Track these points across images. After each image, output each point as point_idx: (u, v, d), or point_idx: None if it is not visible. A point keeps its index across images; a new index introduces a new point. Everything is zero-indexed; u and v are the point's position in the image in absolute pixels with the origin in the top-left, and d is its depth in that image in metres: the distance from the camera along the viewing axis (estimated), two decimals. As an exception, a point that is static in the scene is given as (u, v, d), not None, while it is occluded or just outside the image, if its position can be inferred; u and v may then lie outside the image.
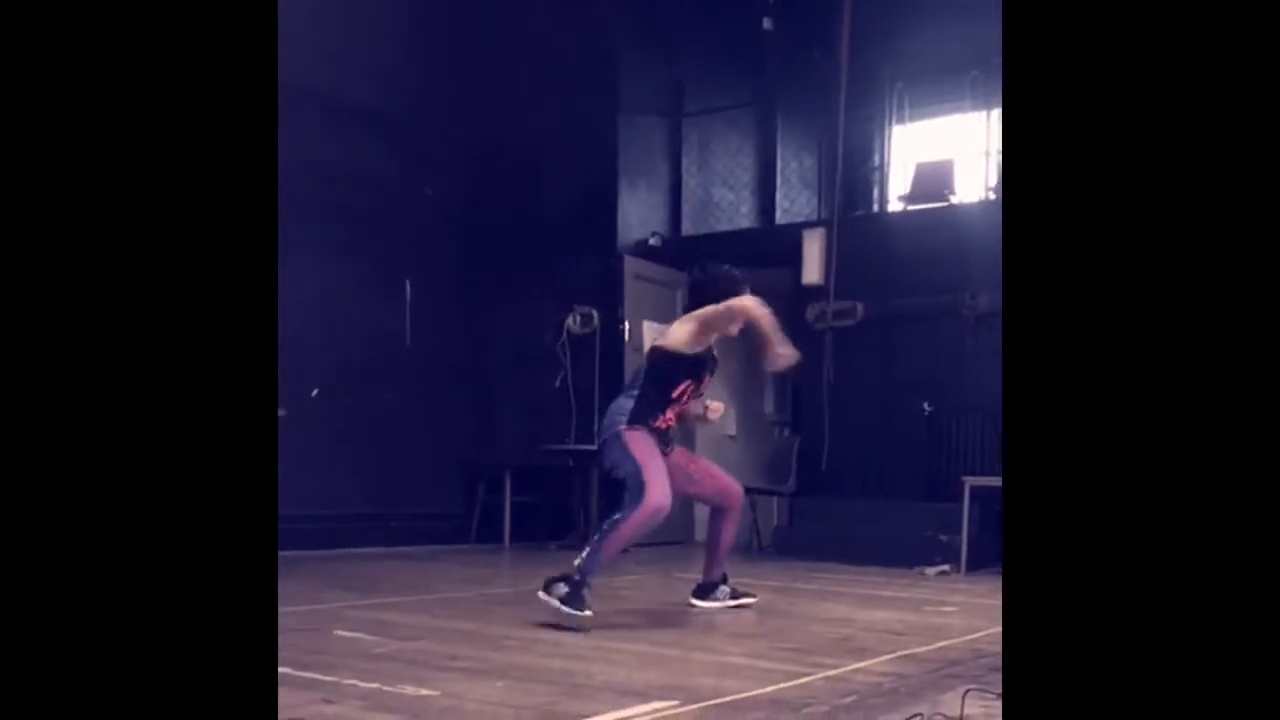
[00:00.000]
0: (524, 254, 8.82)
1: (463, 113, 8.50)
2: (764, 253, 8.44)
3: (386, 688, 2.82)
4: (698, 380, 4.37)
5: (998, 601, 5.05)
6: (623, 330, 8.53)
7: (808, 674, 3.14)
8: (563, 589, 3.97)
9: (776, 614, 4.59)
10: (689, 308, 4.45)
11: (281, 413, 6.97)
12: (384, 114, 8.02)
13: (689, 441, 7.05)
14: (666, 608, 4.76)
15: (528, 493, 8.40)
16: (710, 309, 4.26)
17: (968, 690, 2.65)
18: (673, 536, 8.56)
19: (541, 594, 4.01)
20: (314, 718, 2.48)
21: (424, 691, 2.79)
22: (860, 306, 8.04)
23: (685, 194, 9.44)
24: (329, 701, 2.65)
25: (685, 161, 9.46)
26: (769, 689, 2.90)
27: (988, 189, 8.44)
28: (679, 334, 4.28)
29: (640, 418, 4.21)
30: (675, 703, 2.68)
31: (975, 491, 6.79)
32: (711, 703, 2.71)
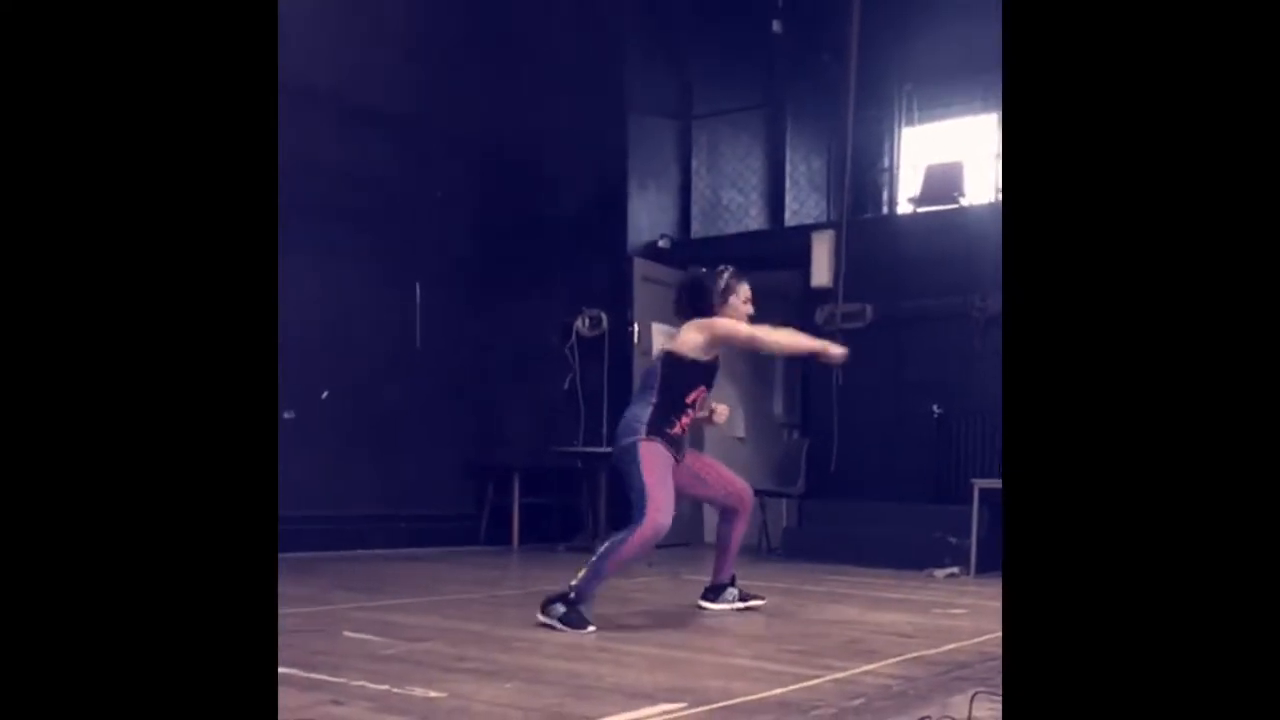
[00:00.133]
0: (533, 256, 8.83)
1: (473, 115, 8.52)
2: (773, 255, 8.44)
3: (395, 689, 2.83)
4: (710, 385, 4.39)
5: (1007, 604, 5.04)
6: (631, 333, 8.54)
7: (816, 676, 3.13)
8: (560, 609, 3.97)
9: (785, 616, 4.59)
10: (680, 310, 4.44)
11: (292, 415, 7.01)
12: (394, 117, 8.04)
13: (697, 443, 7.05)
14: (675, 610, 4.76)
15: (536, 494, 8.41)
16: (727, 327, 4.29)
17: (976, 693, 2.65)
18: (681, 538, 8.56)
19: (540, 616, 4.00)
20: (322, 719, 2.49)
21: (432, 693, 2.79)
22: (869, 309, 8.03)
23: (694, 196, 9.45)
24: (337, 703, 2.66)
25: (694, 164, 9.47)
26: (777, 691, 2.90)
27: (997, 191, 8.44)
28: (693, 340, 4.27)
29: (657, 427, 4.19)
30: (683, 705, 2.68)
31: (984, 494, 6.77)
32: (719, 705, 2.71)
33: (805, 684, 3.02)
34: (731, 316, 4.36)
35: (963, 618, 4.65)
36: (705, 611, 4.63)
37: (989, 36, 7.68)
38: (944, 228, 7.90)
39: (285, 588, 4.38)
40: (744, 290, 4.44)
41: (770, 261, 8.16)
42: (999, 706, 2.60)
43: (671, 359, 4.29)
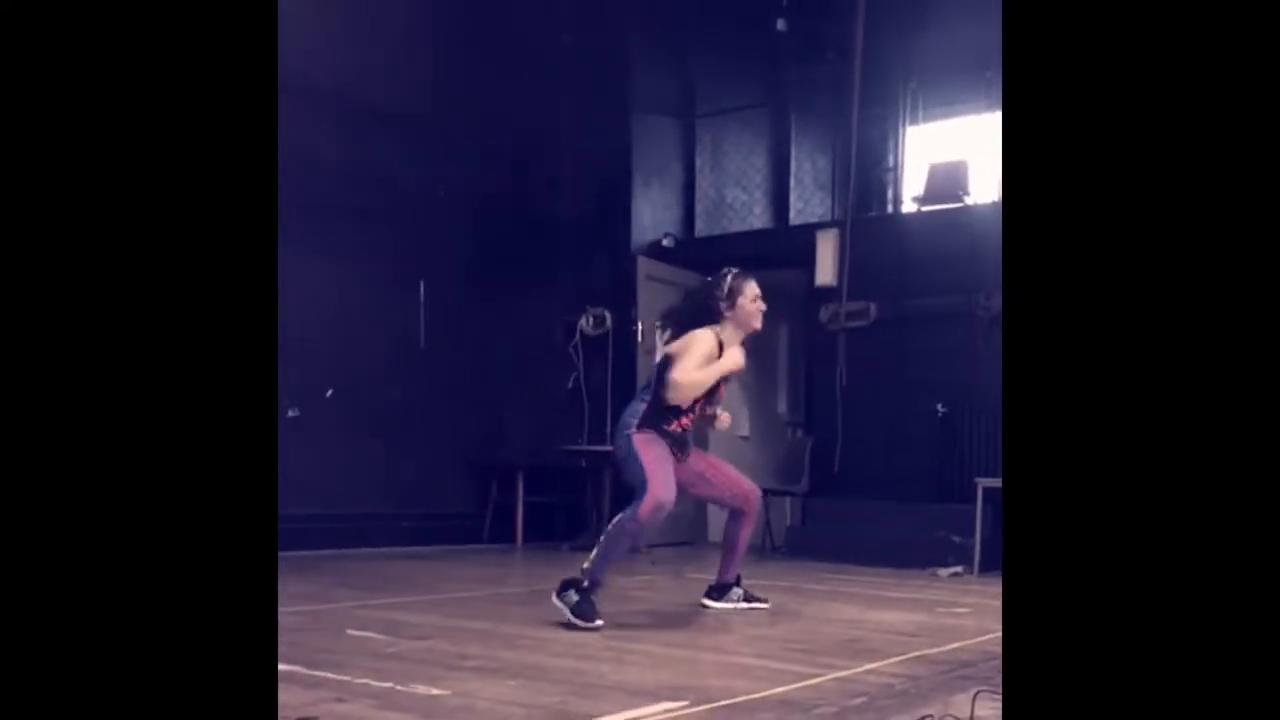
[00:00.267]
0: (537, 254, 8.83)
1: (476, 114, 8.52)
2: (777, 254, 8.44)
3: (398, 687, 2.83)
4: (709, 397, 4.36)
5: (1010, 603, 5.04)
6: (635, 331, 8.54)
7: (818, 675, 3.13)
8: (573, 597, 4.00)
9: (788, 615, 4.59)
10: (682, 320, 4.41)
11: (296, 412, 7.02)
12: (398, 115, 8.04)
13: (701, 442, 7.05)
14: (678, 608, 4.77)
15: (540, 493, 8.42)
16: (685, 356, 4.22)
17: (978, 692, 2.64)
18: (685, 537, 8.57)
19: (555, 598, 4.02)
20: (325, 716, 2.49)
21: (435, 691, 2.80)
22: (873, 307, 8.03)
23: (698, 195, 9.45)
24: (341, 700, 2.67)
25: (698, 162, 9.47)
26: (779, 690, 2.90)
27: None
28: (682, 374, 4.19)
29: (651, 422, 4.22)
30: (685, 703, 2.68)
31: (988, 493, 6.77)
32: (722, 703, 2.71)
33: (807, 682, 3.02)
34: (743, 318, 4.35)
35: (966, 617, 4.65)
36: (708, 610, 4.63)
37: (993, 35, 7.66)
38: (948, 226, 7.89)
39: (289, 586, 4.39)
40: (750, 289, 4.41)
41: (774, 260, 8.15)
42: (1001, 705, 2.61)
43: (668, 362, 4.30)
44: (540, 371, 8.82)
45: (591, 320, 8.71)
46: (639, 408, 4.28)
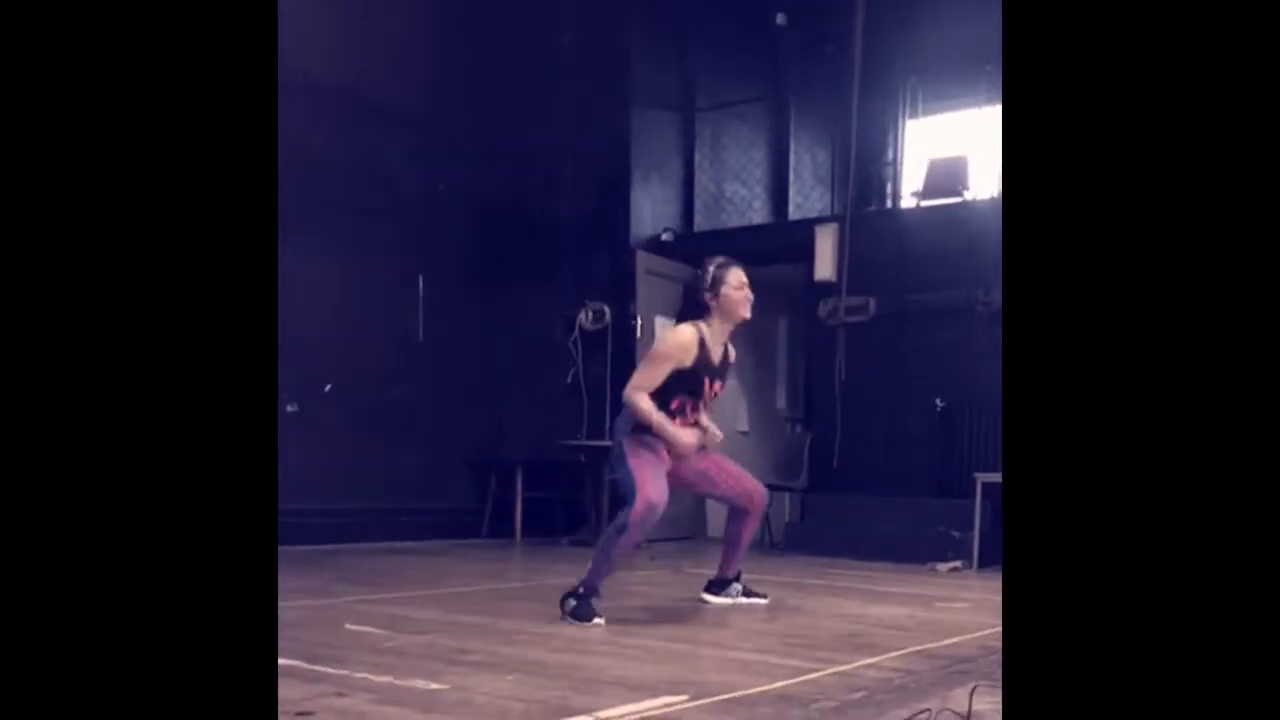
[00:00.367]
0: (536, 249, 8.83)
1: (475, 110, 8.51)
2: (776, 248, 8.44)
3: (397, 681, 2.84)
4: (693, 395, 4.28)
5: (1009, 598, 5.04)
6: (634, 326, 8.54)
7: (817, 669, 3.14)
8: (571, 603, 4.02)
9: (787, 610, 4.60)
10: (680, 314, 4.40)
11: (295, 408, 7.02)
12: (397, 110, 8.04)
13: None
14: (678, 603, 4.77)
15: (540, 488, 8.42)
16: (649, 358, 4.23)
17: (976, 686, 2.65)
18: (684, 532, 8.58)
19: (560, 615, 4.03)
20: (325, 711, 2.49)
21: (434, 685, 2.80)
22: (873, 302, 8.03)
23: (698, 189, 9.44)
24: (340, 695, 2.67)
25: (698, 157, 9.46)
26: (778, 684, 2.90)
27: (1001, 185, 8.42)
28: (631, 392, 4.18)
29: (643, 428, 4.20)
30: (685, 697, 2.69)
31: (987, 488, 6.77)
32: (721, 698, 2.71)
33: (806, 677, 3.02)
34: (728, 307, 4.27)
35: (964, 612, 4.66)
36: (707, 604, 4.63)
37: (993, 29, 7.65)
38: (948, 221, 7.89)
39: (288, 580, 4.39)
40: (733, 276, 4.29)
41: (774, 255, 8.14)
42: (999, 700, 2.61)
43: None
44: (539, 366, 8.82)
45: (591, 315, 8.71)
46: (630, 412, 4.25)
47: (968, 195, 8.09)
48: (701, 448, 4.40)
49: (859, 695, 2.80)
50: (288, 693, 2.51)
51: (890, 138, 9.57)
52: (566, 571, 4.86)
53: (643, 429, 4.20)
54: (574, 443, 8.35)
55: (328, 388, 7.39)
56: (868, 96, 8.64)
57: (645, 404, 4.16)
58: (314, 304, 6.96)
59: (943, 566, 6.65)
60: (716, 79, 9.50)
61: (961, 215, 7.87)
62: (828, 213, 9.45)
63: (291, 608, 4.02)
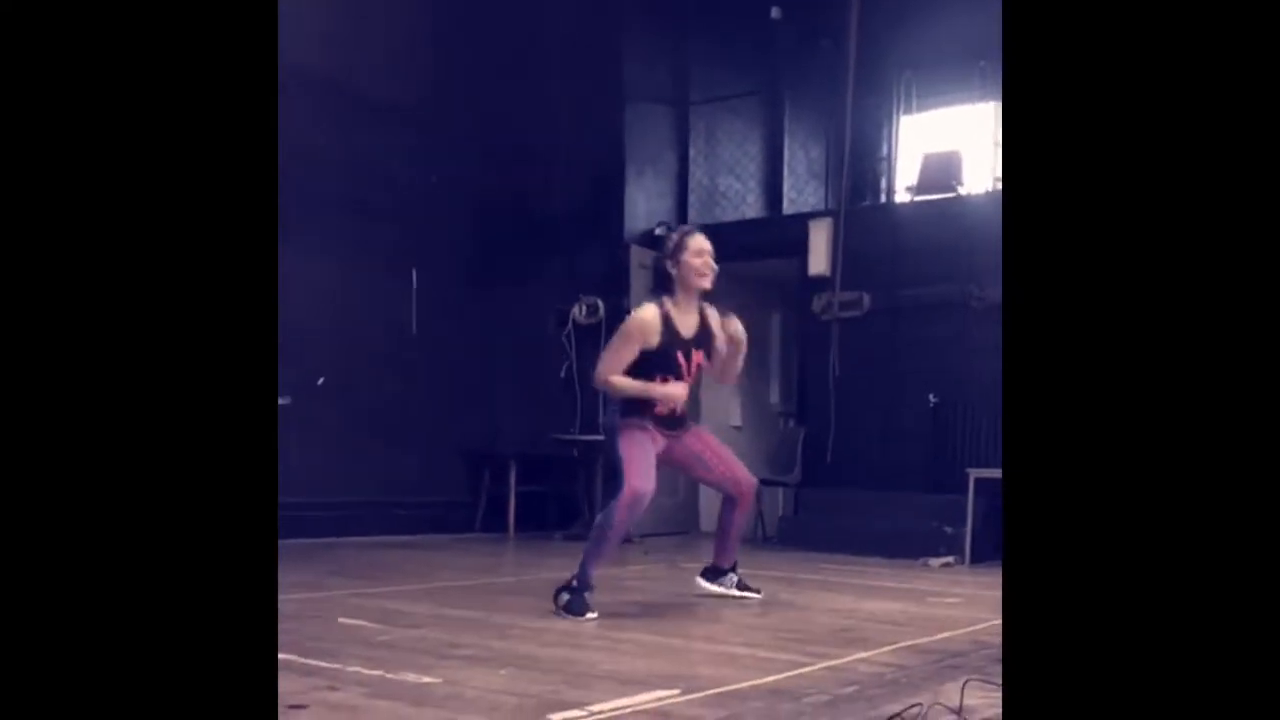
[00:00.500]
0: (530, 243, 8.82)
1: (469, 101, 8.50)
2: (770, 243, 8.44)
3: (389, 675, 2.84)
4: (672, 373, 4.23)
5: (1000, 593, 5.05)
6: (628, 320, 8.52)
7: (809, 664, 3.14)
8: (564, 597, 4.03)
9: (780, 604, 4.60)
10: (652, 289, 4.42)
11: (287, 401, 7.00)
12: (390, 103, 8.02)
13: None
14: (670, 598, 4.77)
15: (533, 482, 8.42)
16: (626, 334, 4.21)
17: (967, 680, 2.66)
18: (678, 527, 8.58)
19: (553, 609, 4.03)
20: (317, 704, 2.49)
21: (426, 679, 2.80)
22: (867, 297, 8.03)
23: (692, 183, 9.43)
24: (333, 688, 2.67)
25: (692, 151, 9.45)
26: (770, 678, 2.91)
27: (995, 180, 8.42)
28: (602, 371, 4.21)
29: (631, 410, 4.22)
30: (677, 691, 2.69)
31: (980, 484, 6.78)
32: (713, 692, 2.72)
33: (799, 671, 3.03)
34: (687, 275, 4.22)
35: (957, 607, 4.67)
36: (700, 590, 4.62)
37: (987, 25, 7.65)
38: (942, 217, 7.89)
39: (282, 574, 4.37)
40: (693, 243, 4.23)
41: (768, 249, 8.15)
42: (991, 694, 2.62)
43: None
44: (533, 361, 8.81)
45: (585, 309, 8.71)
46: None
47: (962, 190, 8.09)
48: (691, 421, 4.42)
49: (851, 690, 2.80)
50: (281, 686, 2.50)
51: (884, 132, 9.57)
52: (560, 566, 4.86)
53: (631, 410, 4.20)
54: (567, 437, 8.35)
55: (320, 381, 7.38)
56: (862, 91, 8.64)
57: (618, 380, 4.17)
58: (305, 296, 6.94)
59: (935, 561, 6.66)
60: (711, 73, 9.49)
61: (955, 210, 7.88)
62: (822, 207, 9.45)
63: (285, 601, 4.01)
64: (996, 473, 6.71)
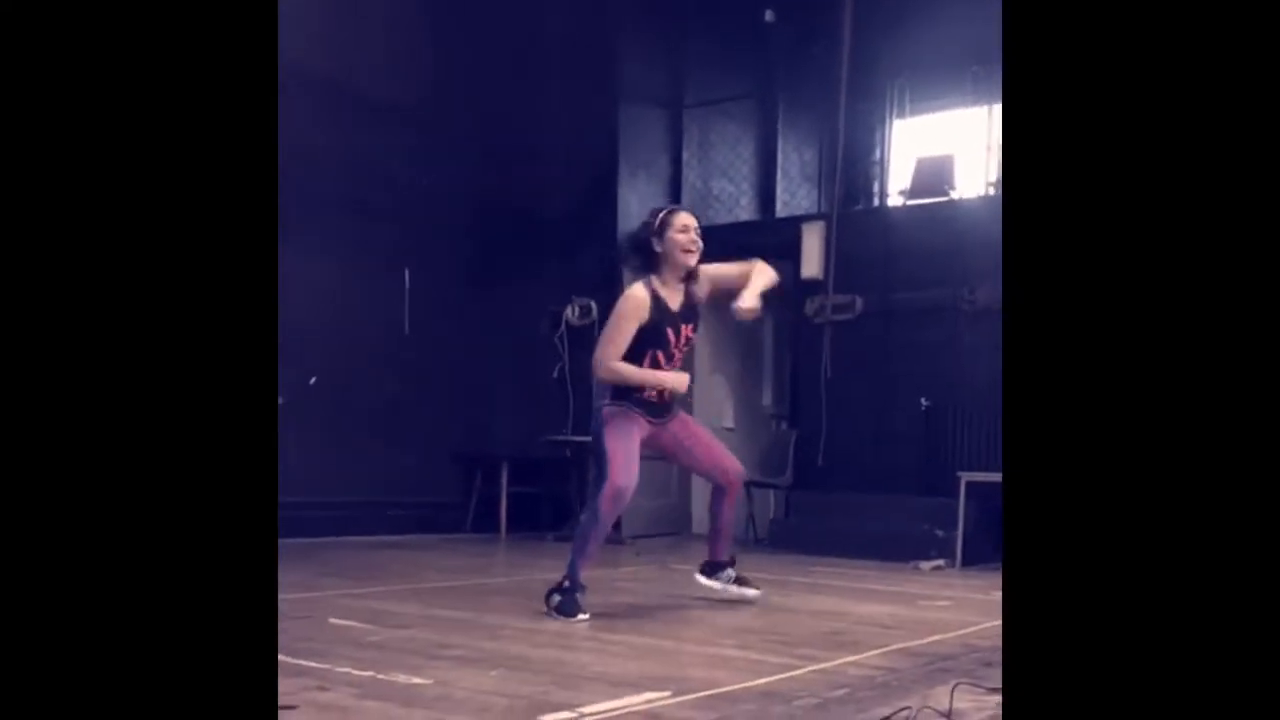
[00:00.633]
0: (523, 244, 8.82)
1: (462, 102, 8.49)
2: (763, 246, 8.33)
3: (379, 675, 2.84)
4: (661, 347, 4.22)
5: (991, 597, 5.06)
6: (621, 322, 8.51)
7: (799, 666, 3.15)
8: (556, 598, 4.03)
9: (770, 607, 4.60)
10: (631, 261, 4.44)
11: (280, 400, 6.99)
12: (383, 104, 8.01)
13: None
14: (661, 600, 4.78)
15: (525, 483, 8.42)
16: (622, 318, 4.18)
17: (957, 684, 2.66)
18: (669, 528, 8.59)
19: (545, 610, 4.03)
20: (307, 705, 2.49)
21: (416, 680, 2.80)
22: (859, 301, 8.04)
23: (685, 186, 9.43)
24: (322, 689, 2.67)
25: (685, 153, 9.45)
26: (760, 681, 2.91)
27: (988, 184, 8.45)
28: (601, 359, 4.19)
29: (619, 394, 4.21)
30: (667, 693, 2.69)
31: (971, 487, 6.79)
32: (703, 694, 2.72)
33: (789, 674, 3.03)
34: (672, 251, 4.22)
35: (947, 610, 4.67)
36: (699, 586, 4.61)
37: (980, 30, 7.70)
38: (934, 220, 7.91)
39: (271, 574, 4.37)
40: (678, 220, 4.25)
41: (760, 252, 8.05)
42: (981, 698, 2.62)
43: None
44: (526, 361, 8.81)
45: (577, 310, 8.71)
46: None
47: (954, 194, 8.11)
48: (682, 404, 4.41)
49: (841, 692, 2.81)
50: (269, 686, 2.51)
51: (877, 137, 9.58)
52: (551, 567, 4.86)
53: (619, 395, 4.20)
54: (559, 438, 8.35)
55: (313, 380, 7.37)
56: (855, 95, 8.65)
57: (623, 367, 4.16)
58: (298, 296, 6.90)
59: (926, 565, 6.67)
60: (705, 76, 9.49)
61: (948, 214, 7.89)
62: (815, 211, 9.46)
63: (274, 601, 4.01)
64: (988, 476, 6.72)
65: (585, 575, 4.10)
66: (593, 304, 8.61)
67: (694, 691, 2.74)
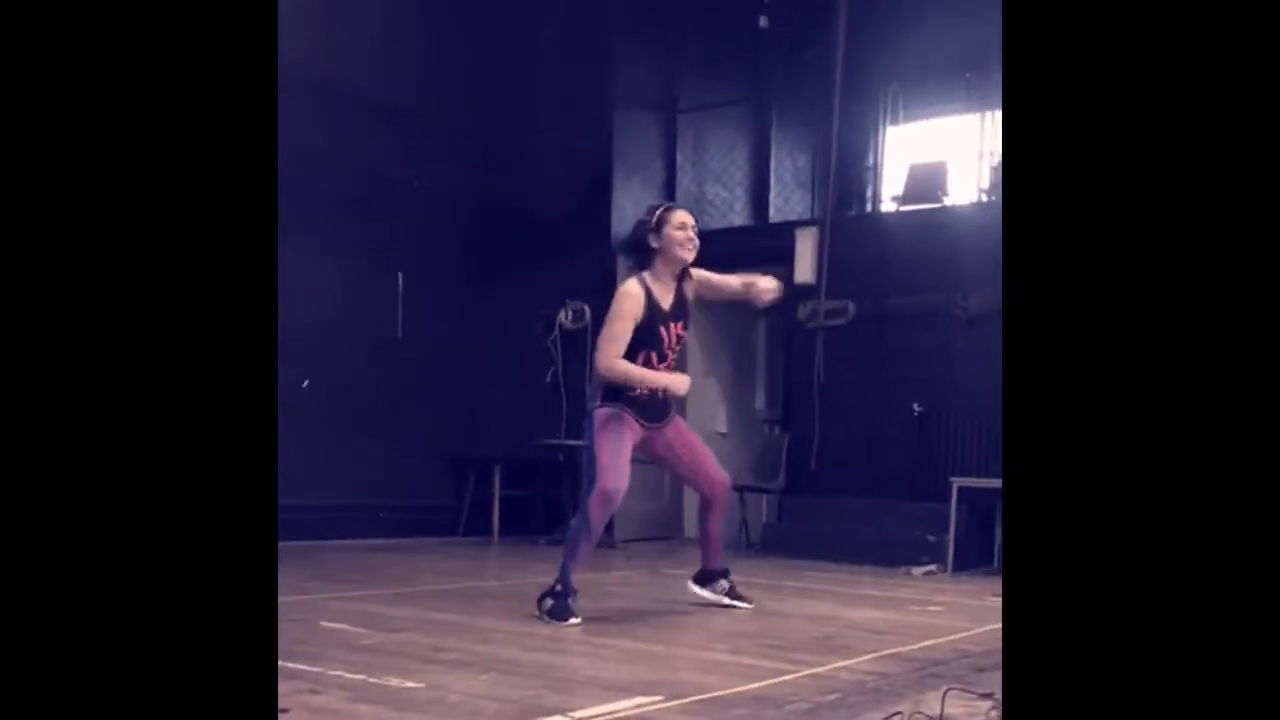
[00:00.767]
0: (517, 248, 8.81)
1: (457, 106, 8.49)
2: (757, 251, 8.43)
3: (371, 679, 2.83)
4: (653, 345, 4.23)
5: (983, 602, 5.07)
6: (614, 326, 8.51)
7: (791, 671, 3.15)
8: (548, 602, 4.03)
9: (762, 612, 4.61)
10: (627, 255, 4.45)
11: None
12: (377, 106, 8.01)
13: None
14: (653, 604, 4.78)
15: (518, 486, 8.41)
16: (619, 316, 4.19)
17: (948, 690, 2.67)
18: (661, 532, 8.59)
19: (537, 614, 4.03)
20: (299, 708, 2.49)
21: (408, 683, 2.80)
22: (852, 306, 8.05)
23: (679, 191, 9.44)
24: (314, 692, 2.66)
25: (679, 158, 9.46)
26: (753, 685, 2.91)
27: (980, 191, 8.46)
28: (602, 359, 4.19)
29: (612, 394, 4.21)
30: (659, 698, 2.70)
31: (963, 492, 6.81)
32: (695, 698, 2.72)
33: (781, 679, 3.04)
34: (668, 249, 4.25)
35: (939, 615, 4.68)
36: (691, 594, 4.61)
37: (974, 37, 7.72)
38: (927, 226, 7.92)
39: (263, 577, 4.37)
40: (675, 217, 4.30)
41: (754, 257, 8.11)
42: (972, 704, 2.63)
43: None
44: (519, 365, 8.81)
45: (571, 314, 8.71)
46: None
47: (947, 200, 8.13)
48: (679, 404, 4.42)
49: (832, 697, 2.81)
50: (262, 690, 2.51)
51: (871, 143, 9.60)
52: (543, 570, 4.86)
53: (613, 396, 4.20)
54: (553, 442, 8.34)
55: (305, 383, 7.35)
56: (849, 101, 8.66)
57: (625, 366, 4.16)
58: (291, 298, 6.83)
59: (918, 570, 6.67)
60: (699, 80, 9.51)
61: (940, 220, 7.91)
62: (808, 216, 9.47)
63: (266, 604, 4.01)
64: (980, 481, 6.73)
65: (577, 579, 4.11)
66: (586, 308, 8.61)
67: (686, 696, 2.74)
